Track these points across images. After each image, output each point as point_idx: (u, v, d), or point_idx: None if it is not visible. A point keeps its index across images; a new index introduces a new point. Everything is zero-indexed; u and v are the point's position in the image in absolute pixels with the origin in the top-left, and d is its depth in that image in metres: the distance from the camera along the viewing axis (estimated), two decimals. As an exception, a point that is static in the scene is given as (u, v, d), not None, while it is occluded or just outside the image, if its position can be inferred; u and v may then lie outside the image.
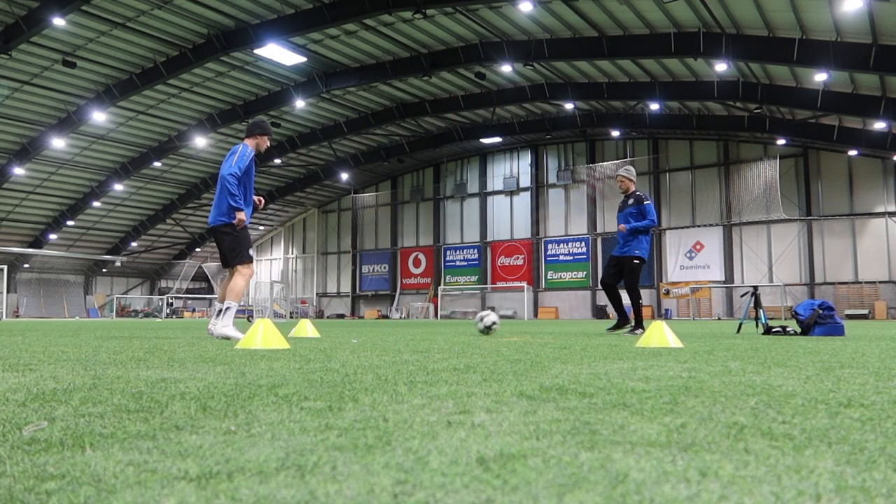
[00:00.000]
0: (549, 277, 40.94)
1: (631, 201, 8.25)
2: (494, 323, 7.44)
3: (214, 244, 6.72)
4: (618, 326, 8.33)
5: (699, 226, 37.02)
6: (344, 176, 42.24)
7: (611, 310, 36.62)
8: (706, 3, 19.91)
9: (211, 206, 7.43)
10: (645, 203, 8.18)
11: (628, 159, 38.44)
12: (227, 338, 5.87)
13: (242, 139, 6.72)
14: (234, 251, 6.31)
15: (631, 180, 8.44)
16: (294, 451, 1.20)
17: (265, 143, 6.61)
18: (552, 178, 41.14)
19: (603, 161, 39.32)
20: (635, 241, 8.17)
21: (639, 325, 7.99)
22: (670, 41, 22.68)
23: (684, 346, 4.86)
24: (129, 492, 0.94)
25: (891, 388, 2.23)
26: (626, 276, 8.20)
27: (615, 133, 36.10)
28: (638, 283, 8.22)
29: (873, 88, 24.32)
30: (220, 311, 6.14)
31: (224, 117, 32.26)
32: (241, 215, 6.27)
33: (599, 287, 39.24)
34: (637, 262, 8.14)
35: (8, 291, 37.23)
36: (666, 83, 27.42)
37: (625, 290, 8.27)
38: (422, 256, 45.50)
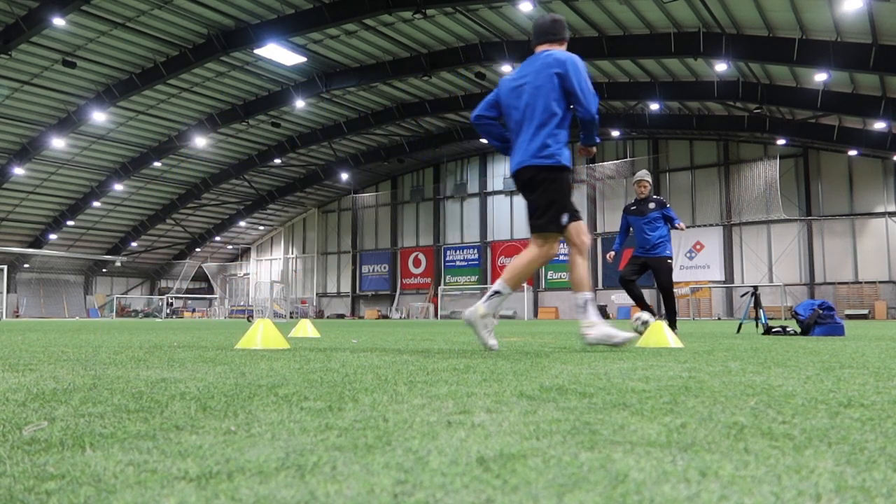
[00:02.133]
0: (549, 277, 40.94)
1: (653, 205, 8.38)
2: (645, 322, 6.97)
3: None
4: (670, 323, 8.13)
5: (699, 226, 37.01)
6: (344, 176, 42.24)
7: (612, 310, 36.67)
8: (706, 3, 19.91)
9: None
10: (668, 206, 8.50)
11: (628, 159, 38.47)
12: (610, 342, 4.21)
13: (541, 46, 4.47)
14: (560, 206, 4.24)
15: (651, 184, 8.69)
16: (294, 451, 1.20)
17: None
18: (552, 178, 41.07)
19: (603, 161, 39.32)
20: (668, 243, 8.36)
21: (674, 324, 8.07)
22: (670, 41, 22.69)
23: (684, 346, 4.86)
24: (129, 492, 0.94)
25: (891, 388, 2.23)
26: (662, 276, 8.27)
27: (615, 133, 36.10)
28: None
29: (873, 88, 24.32)
30: (580, 307, 4.31)
31: (224, 117, 32.26)
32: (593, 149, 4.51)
33: (601, 287, 39.43)
34: (670, 261, 8.35)
35: (8, 291, 37.24)
36: (666, 83, 27.43)
37: (658, 291, 8.36)
38: (422, 256, 45.50)
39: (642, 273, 8.39)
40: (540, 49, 4.46)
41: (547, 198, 4.23)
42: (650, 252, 8.29)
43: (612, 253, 8.84)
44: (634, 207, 8.54)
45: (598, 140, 4.50)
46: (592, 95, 4.24)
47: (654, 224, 8.32)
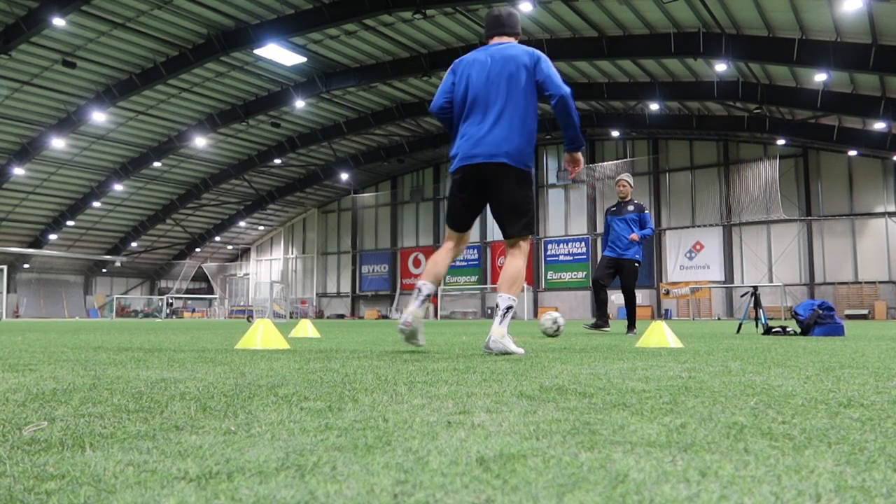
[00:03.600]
0: (549, 277, 40.95)
1: (631, 208, 8.57)
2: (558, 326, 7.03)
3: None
4: (597, 327, 8.48)
5: (699, 226, 37.02)
6: (344, 176, 42.26)
7: (612, 310, 36.69)
8: (706, 3, 19.91)
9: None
10: (646, 212, 8.64)
11: (628, 159, 38.48)
12: (507, 353, 3.88)
13: (494, 39, 4.32)
14: (527, 213, 4.17)
15: (632, 186, 8.82)
16: (294, 451, 1.20)
17: None
18: (552, 178, 41.15)
19: (603, 161, 39.34)
20: (638, 246, 8.52)
21: (633, 325, 8.37)
22: (670, 41, 22.70)
23: (684, 346, 4.86)
24: (129, 492, 0.94)
25: (891, 388, 2.23)
26: (627, 278, 8.44)
27: (615, 133, 36.12)
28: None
29: (873, 88, 24.32)
30: (501, 311, 4.01)
31: (224, 117, 32.27)
32: (581, 156, 4.32)
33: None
34: (637, 265, 8.52)
35: (8, 291, 37.24)
36: (666, 83, 27.43)
37: (621, 292, 8.50)
38: (422, 256, 45.52)
39: (615, 276, 8.57)
40: (496, 40, 4.32)
41: (529, 199, 4.18)
42: (621, 253, 8.46)
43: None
44: (615, 208, 8.74)
45: (583, 143, 4.28)
46: (554, 79, 4.05)
47: (629, 225, 8.48)
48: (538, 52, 4.14)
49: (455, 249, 4.40)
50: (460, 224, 4.33)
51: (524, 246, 4.20)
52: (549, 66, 4.08)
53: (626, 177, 8.78)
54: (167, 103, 30.86)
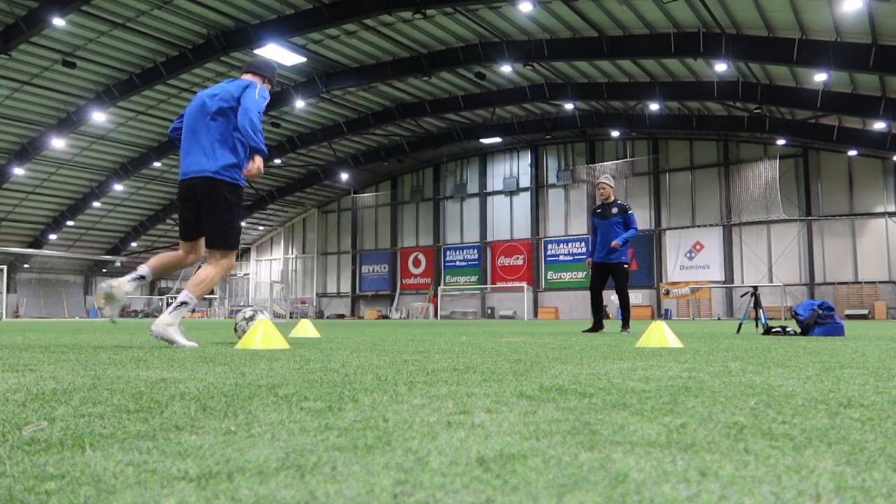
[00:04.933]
0: (549, 278, 40.95)
1: (615, 210, 8.67)
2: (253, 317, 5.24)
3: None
4: (594, 330, 8.65)
5: (699, 226, 37.01)
6: (344, 176, 42.26)
7: (612, 310, 36.67)
8: (706, 4, 19.92)
9: None
10: (630, 212, 8.74)
11: (628, 159, 38.49)
12: (170, 341, 4.44)
13: (246, 75, 4.95)
14: (228, 227, 4.70)
15: (612, 188, 8.91)
16: (294, 451, 1.20)
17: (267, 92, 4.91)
18: (552, 179, 41.16)
19: (603, 161, 39.35)
20: (625, 248, 8.71)
21: (627, 324, 8.69)
22: (670, 41, 22.70)
23: (684, 346, 4.86)
24: (129, 492, 0.94)
25: (891, 388, 2.23)
26: (619, 280, 8.66)
27: (615, 133, 36.12)
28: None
29: (873, 88, 24.33)
30: (176, 303, 4.57)
31: (224, 117, 32.23)
32: (261, 163, 4.80)
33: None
34: (626, 266, 8.74)
35: (8, 291, 37.23)
36: (666, 83, 27.43)
37: (615, 293, 8.77)
38: (422, 256, 45.51)
39: (607, 279, 8.80)
40: (244, 77, 4.96)
41: (227, 214, 4.70)
42: (609, 257, 8.64)
43: (590, 260, 8.98)
44: (599, 210, 8.86)
45: (258, 143, 4.65)
46: (256, 115, 4.57)
47: (615, 229, 8.59)
48: (255, 86, 4.71)
49: (185, 257, 4.90)
50: (184, 234, 4.85)
51: (222, 260, 4.72)
52: (248, 99, 4.59)
53: (606, 179, 8.89)
54: (167, 103, 30.85)
